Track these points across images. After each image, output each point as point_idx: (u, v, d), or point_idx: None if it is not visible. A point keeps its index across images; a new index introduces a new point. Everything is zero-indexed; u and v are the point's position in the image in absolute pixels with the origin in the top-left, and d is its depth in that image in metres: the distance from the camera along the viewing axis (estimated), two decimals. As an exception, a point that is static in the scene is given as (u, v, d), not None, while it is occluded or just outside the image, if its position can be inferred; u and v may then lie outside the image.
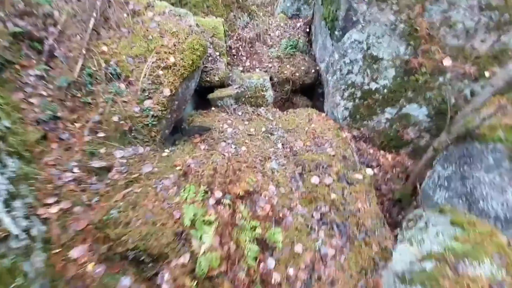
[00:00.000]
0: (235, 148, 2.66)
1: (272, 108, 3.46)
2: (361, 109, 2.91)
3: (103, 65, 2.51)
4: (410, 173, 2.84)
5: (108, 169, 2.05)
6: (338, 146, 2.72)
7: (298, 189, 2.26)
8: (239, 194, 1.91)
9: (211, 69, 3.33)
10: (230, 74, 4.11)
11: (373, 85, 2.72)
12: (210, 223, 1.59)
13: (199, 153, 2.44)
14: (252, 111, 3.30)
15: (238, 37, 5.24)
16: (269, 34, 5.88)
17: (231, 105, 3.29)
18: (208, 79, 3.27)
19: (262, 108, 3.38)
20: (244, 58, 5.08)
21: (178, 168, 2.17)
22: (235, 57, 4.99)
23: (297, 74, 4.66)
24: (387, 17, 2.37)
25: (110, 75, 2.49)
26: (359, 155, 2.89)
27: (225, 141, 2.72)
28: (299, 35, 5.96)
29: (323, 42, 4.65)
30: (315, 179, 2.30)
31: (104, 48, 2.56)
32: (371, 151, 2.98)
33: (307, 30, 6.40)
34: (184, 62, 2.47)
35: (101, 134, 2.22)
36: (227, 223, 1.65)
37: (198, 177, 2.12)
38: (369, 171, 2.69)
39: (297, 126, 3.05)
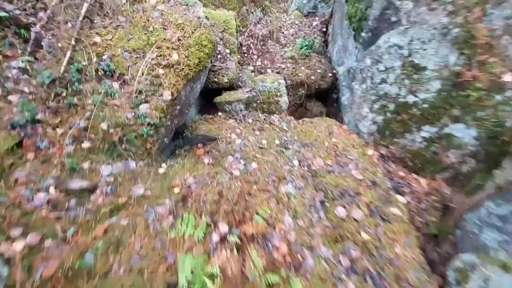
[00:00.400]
0: (244, 164, 2.27)
1: (286, 116, 3.05)
2: (393, 124, 2.50)
3: (95, 59, 2.12)
4: (449, 203, 2.44)
5: (91, 189, 1.67)
6: (366, 169, 2.32)
7: (319, 222, 1.87)
8: (249, 233, 1.52)
9: (219, 69, 2.93)
10: (240, 75, 3.71)
11: (411, 98, 2.30)
12: (213, 277, 1.22)
13: (202, 170, 2.06)
14: (264, 119, 2.90)
15: (250, 34, 4.83)
16: (283, 32, 5.44)
17: (241, 110, 2.89)
18: (216, 79, 2.88)
19: (276, 115, 2.98)
20: (256, 56, 4.66)
21: (176, 190, 1.78)
22: (246, 55, 4.57)
23: (313, 78, 4.24)
24: (437, 19, 1.95)
25: (102, 71, 2.10)
26: (388, 178, 2.48)
27: (232, 155, 2.33)
28: (315, 35, 5.53)
29: (344, 43, 4.22)
30: (341, 211, 1.91)
31: (97, 39, 2.17)
32: (402, 173, 2.57)
33: (324, 29, 5.96)
34: (190, 60, 2.07)
35: (86, 144, 1.83)
36: (235, 277, 1.27)
37: (199, 202, 1.73)
38: (402, 199, 2.29)
39: (316, 139, 2.65)
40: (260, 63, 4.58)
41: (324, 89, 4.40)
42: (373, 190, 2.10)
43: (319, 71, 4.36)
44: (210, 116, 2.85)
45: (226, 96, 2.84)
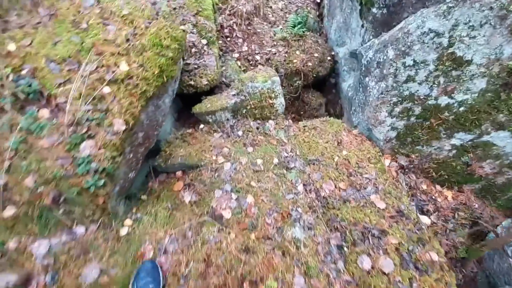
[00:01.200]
0: (236, 198, 1.78)
1: (283, 121, 2.50)
2: (417, 131, 2.02)
3: (10, 76, 1.46)
4: (478, 218, 2.08)
5: (23, 283, 1.16)
6: (387, 192, 1.88)
7: (338, 278, 1.46)
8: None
9: (195, 67, 2.28)
10: (224, 68, 3.04)
11: (444, 100, 1.79)
12: None
13: (182, 218, 1.56)
14: (257, 128, 2.35)
15: (232, 11, 4.01)
16: (271, 7, 4.61)
17: (227, 120, 2.32)
18: (191, 82, 2.24)
19: (271, 121, 2.43)
20: (241, 40, 3.92)
21: (145, 262, 1.30)
22: (229, 39, 3.82)
23: (310, 64, 3.61)
24: (495, -8, 1.37)
25: (22, 94, 1.46)
26: (410, 194, 2.07)
27: (221, 188, 1.82)
28: (308, 8, 4.73)
29: (345, 20, 3.53)
30: (364, 261, 1.50)
31: (11, 47, 1.48)
32: (424, 186, 2.16)
33: (318, 0, 5.14)
34: (146, 70, 1.44)
35: (9, 212, 1.27)
36: None
37: (178, 279, 1.27)
38: (426, 220, 1.90)
39: (322, 153, 2.15)
40: (246, 49, 3.86)
41: (323, 76, 3.80)
42: (401, 223, 1.68)
43: (316, 55, 3.71)
44: (190, 131, 2.26)
45: (207, 104, 2.23)
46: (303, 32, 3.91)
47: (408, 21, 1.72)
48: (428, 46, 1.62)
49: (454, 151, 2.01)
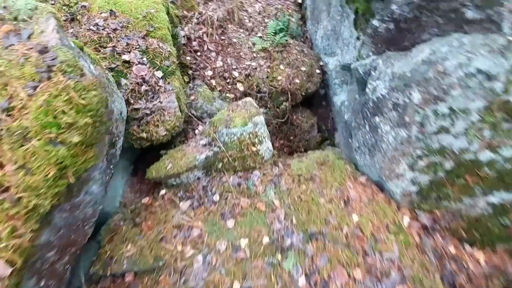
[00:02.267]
0: (214, 318, 1.24)
1: (272, 168, 1.95)
2: (446, 188, 1.56)
3: None
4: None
5: None
6: (418, 280, 1.41)
7: None
8: None
9: (147, 114, 1.65)
10: (192, 97, 2.42)
11: (486, 156, 1.33)
12: None
13: None
14: (239, 185, 1.78)
15: (200, 19, 3.35)
16: (246, 10, 3.99)
17: (198, 179, 1.73)
18: (143, 135, 1.62)
19: (256, 173, 1.87)
20: (214, 54, 3.28)
21: None
22: (199, 54, 3.17)
23: (297, 81, 3.07)
24: None
25: None
26: (437, 258, 1.63)
27: (191, 302, 1.26)
28: (289, 10, 4.16)
29: (335, 28, 3.01)
30: None
31: None
32: (452, 248, 1.73)
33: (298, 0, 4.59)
34: (33, 174, 0.82)
35: None
36: None
37: None
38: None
39: (326, 220, 1.64)
40: (221, 64, 3.24)
41: (313, 92, 3.28)
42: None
43: (303, 68, 3.18)
44: (146, 201, 1.65)
45: (167, 165, 1.62)
46: (286, 40, 3.35)
47: (439, 53, 1.22)
48: (473, 92, 1.13)
49: (490, 210, 1.58)
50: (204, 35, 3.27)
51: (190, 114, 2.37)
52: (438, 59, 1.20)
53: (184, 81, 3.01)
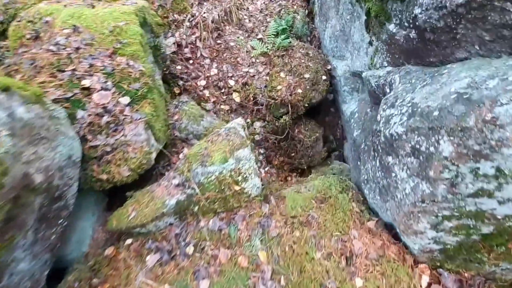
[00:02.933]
0: None
1: (261, 206, 1.65)
2: (480, 252, 1.18)
3: None
4: None
5: None
6: None
7: None
8: None
9: (108, 151, 1.39)
10: (176, 117, 2.15)
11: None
12: None
13: None
14: (219, 230, 1.51)
15: (193, 22, 3.03)
16: (247, 9, 3.60)
17: (170, 225, 1.48)
18: (103, 176, 1.37)
19: (241, 214, 1.58)
20: (208, 61, 2.97)
21: None
22: (191, 62, 2.87)
23: (299, 91, 2.69)
24: None
25: None
26: None
27: None
28: (295, 6, 3.72)
29: (344, 28, 2.60)
30: None
31: None
32: (484, 321, 1.36)
33: (306, -5, 4.13)
34: None
35: None
36: None
37: None
38: None
39: (322, 286, 1.33)
40: (216, 72, 2.93)
41: (317, 102, 2.89)
42: None
43: (307, 75, 2.78)
44: (110, 252, 1.41)
45: (130, 213, 1.37)
46: (289, 43, 2.96)
47: (484, 85, 0.83)
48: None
49: (542, 282, 1.19)
50: (197, 40, 2.96)
51: (174, 136, 2.11)
52: (482, 97, 0.81)
53: (174, 93, 2.74)
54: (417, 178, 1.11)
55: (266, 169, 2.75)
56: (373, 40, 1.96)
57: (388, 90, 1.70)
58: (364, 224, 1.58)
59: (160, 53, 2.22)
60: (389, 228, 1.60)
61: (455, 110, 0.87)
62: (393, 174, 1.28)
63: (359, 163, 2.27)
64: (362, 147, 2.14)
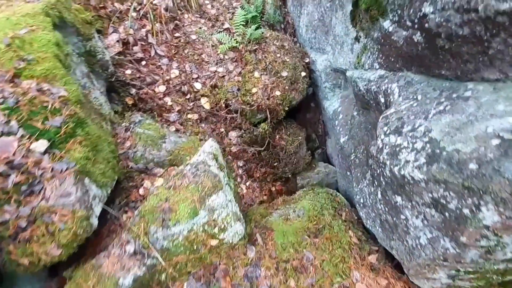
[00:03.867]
0: None
1: (247, 251, 1.37)
2: (500, 298, 1.04)
3: None
4: None
5: None
6: None
7: None
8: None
9: (23, 227, 0.96)
10: (128, 143, 1.72)
11: None
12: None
13: None
14: (197, 295, 1.22)
15: (141, 12, 2.45)
16: (208, -8, 3.05)
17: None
18: (24, 260, 0.95)
19: (220, 269, 1.29)
20: (166, 60, 2.47)
21: None
22: (144, 64, 2.34)
23: (277, 94, 2.35)
24: None
25: None
26: None
27: None
28: (264, -13, 3.23)
29: (323, 17, 2.27)
30: None
31: None
32: None
33: (277, -27, 3.64)
34: None
35: None
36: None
37: None
38: None
39: None
40: (177, 73, 2.44)
41: (298, 102, 2.59)
42: None
43: (285, 74, 2.44)
44: None
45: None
46: (261, 34, 2.54)
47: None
48: None
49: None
50: (149, 34, 2.41)
51: (129, 168, 1.68)
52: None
53: (127, 105, 2.24)
54: (438, 232, 0.89)
55: (247, 183, 2.45)
56: (360, 36, 1.66)
57: (382, 100, 1.44)
58: (365, 259, 1.39)
59: (96, 59, 1.70)
60: (391, 256, 1.43)
61: (505, 169, 0.63)
62: (403, 217, 1.06)
63: (348, 173, 2.07)
64: (352, 158, 1.92)
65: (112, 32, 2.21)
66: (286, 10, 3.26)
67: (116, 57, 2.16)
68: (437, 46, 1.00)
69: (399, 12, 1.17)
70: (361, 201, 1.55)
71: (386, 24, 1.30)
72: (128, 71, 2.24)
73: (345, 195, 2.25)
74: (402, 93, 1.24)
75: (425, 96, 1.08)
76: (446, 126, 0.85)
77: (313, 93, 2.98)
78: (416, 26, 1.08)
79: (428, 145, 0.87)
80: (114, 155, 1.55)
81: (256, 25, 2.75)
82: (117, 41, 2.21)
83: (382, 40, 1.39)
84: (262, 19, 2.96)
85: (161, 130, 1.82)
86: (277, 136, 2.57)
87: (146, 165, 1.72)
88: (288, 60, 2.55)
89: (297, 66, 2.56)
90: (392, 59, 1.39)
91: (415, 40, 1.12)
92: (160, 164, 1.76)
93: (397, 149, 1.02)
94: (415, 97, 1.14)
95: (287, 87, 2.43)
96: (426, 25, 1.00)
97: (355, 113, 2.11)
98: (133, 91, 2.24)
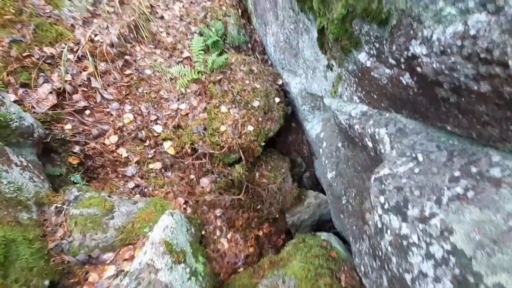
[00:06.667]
0: None
1: None
2: None
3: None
4: None
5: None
6: None
7: None
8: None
9: None
10: (65, 238, 1.34)
11: None
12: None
13: None
14: None
15: (79, 53, 2.08)
16: (161, 17, 2.72)
17: None
18: None
19: None
20: (116, 104, 2.09)
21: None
22: (88, 114, 1.96)
23: (250, 129, 2.03)
24: None
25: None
26: None
27: None
28: (224, 7, 2.95)
29: (289, 40, 2.00)
30: None
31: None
32: None
33: (236, -13, 3.38)
34: None
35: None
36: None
37: None
38: None
39: None
40: (131, 117, 2.08)
41: (275, 133, 2.29)
42: None
43: (256, 103, 2.13)
44: None
45: None
46: (225, 60, 2.24)
47: None
48: None
49: None
50: (91, 77, 2.04)
51: (64, 265, 1.31)
52: None
53: (72, 166, 1.86)
54: None
55: (228, 236, 2.11)
56: (333, 65, 1.39)
57: (370, 145, 1.16)
58: None
59: (11, 129, 1.32)
60: None
61: None
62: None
63: (342, 216, 1.77)
64: (343, 203, 1.63)
65: (43, 83, 1.84)
66: (252, 27, 2.99)
67: (50, 112, 1.79)
68: (436, 96, 0.73)
69: (376, 45, 0.90)
70: (362, 269, 1.25)
71: (362, 57, 1.02)
72: (68, 126, 1.86)
73: (340, 236, 1.95)
74: (395, 144, 0.96)
75: (428, 158, 0.81)
76: (474, 228, 0.56)
77: (292, 112, 2.70)
78: (402, 66, 0.81)
79: (452, 259, 0.57)
80: (41, 255, 1.18)
81: (218, 51, 2.46)
82: (50, 92, 1.84)
83: (360, 74, 1.12)
84: (226, 41, 2.67)
85: (107, 203, 1.45)
86: (257, 175, 2.25)
87: (89, 254, 1.35)
88: (258, 86, 2.25)
89: (270, 92, 2.27)
90: (375, 96, 1.11)
91: (404, 82, 0.85)
92: (109, 247, 1.39)
93: (405, 243, 0.72)
94: (413, 155, 0.87)
95: (260, 119, 2.13)
96: (419, 69, 0.73)
97: (339, 144, 1.83)
98: (77, 148, 1.86)
